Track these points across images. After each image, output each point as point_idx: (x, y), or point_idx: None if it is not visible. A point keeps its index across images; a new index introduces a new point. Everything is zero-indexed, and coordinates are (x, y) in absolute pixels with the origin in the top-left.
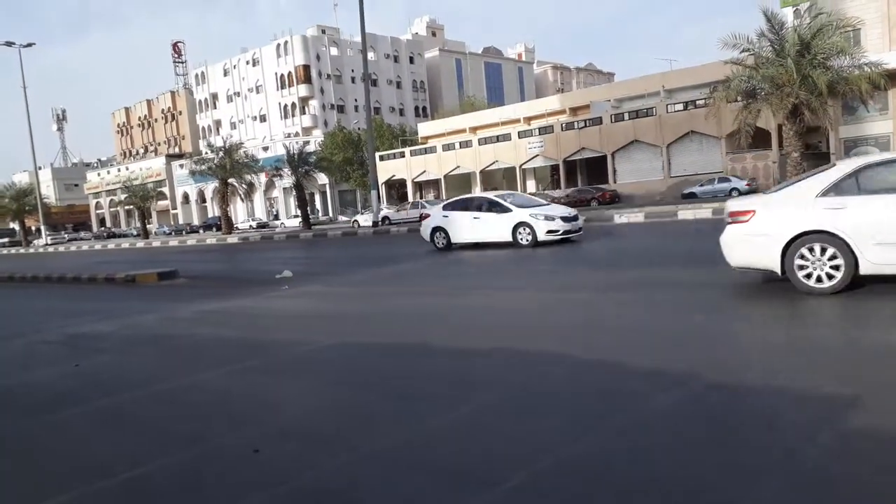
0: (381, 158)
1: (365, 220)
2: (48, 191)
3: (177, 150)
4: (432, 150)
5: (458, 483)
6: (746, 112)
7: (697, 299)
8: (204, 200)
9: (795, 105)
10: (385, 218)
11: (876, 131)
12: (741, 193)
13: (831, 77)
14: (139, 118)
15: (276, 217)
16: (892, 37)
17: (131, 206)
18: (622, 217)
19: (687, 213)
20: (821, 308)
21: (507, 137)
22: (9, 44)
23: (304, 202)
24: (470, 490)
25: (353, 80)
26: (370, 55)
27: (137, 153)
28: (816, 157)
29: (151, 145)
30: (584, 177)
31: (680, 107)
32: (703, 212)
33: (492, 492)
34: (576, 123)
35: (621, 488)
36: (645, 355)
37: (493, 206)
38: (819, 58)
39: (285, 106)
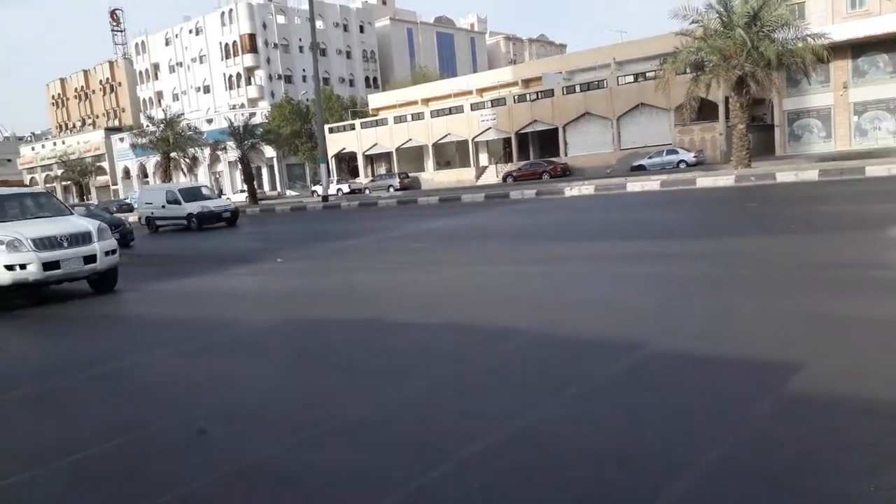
0: (331, 131)
1: (331, 190)
2: None
3: (117, 122)
4: (383, 122)
5: (412, 457)
6: (695, 84)
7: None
8: (146, 175)
9: (741, 77)
10: (365, 188)
11: (818, 104)
12: (689, 165)
13: (778, 48)
14: (76, 89)
15: (221, 192)
16: (834, 9)
17: (69, 182)
18: (573, 190)
19: (635, 185)
20: None
21: (459, 110)
22: None
23: (250, 176)
24: (423, 464)
25: (300, 49)
26: (318, 24)
27: (74, 126)
28: (761, 129)
29: (89, 118)
30: (535, 150)
31: (630, 79)
32: (652, 184)
33: (445, 465)
34: (528, 96)
35: (570, 458)
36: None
37: None
38: (766, 30)
39: (230, 76)
